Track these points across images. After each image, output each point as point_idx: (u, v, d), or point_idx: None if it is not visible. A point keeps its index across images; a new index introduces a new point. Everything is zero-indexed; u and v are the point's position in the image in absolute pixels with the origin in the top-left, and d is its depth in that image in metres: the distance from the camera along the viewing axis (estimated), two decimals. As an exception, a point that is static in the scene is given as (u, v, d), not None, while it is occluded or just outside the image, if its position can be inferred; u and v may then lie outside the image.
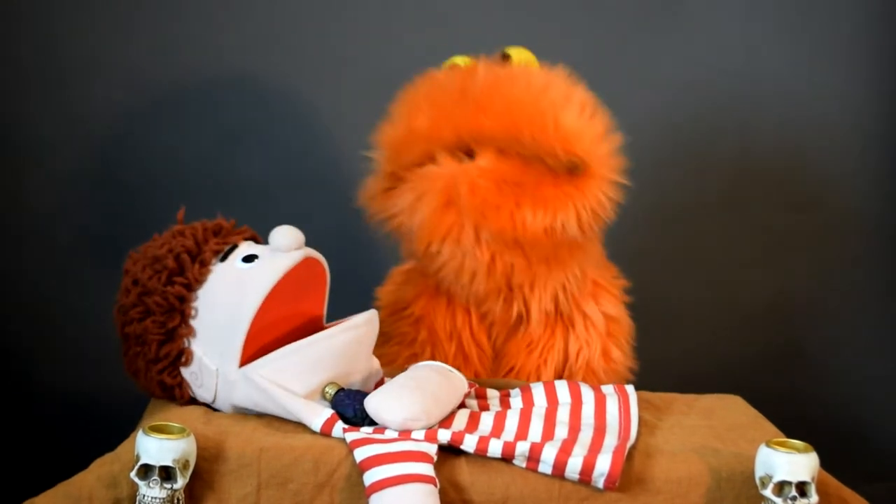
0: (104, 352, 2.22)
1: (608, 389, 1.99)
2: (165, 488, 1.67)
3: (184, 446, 1.68)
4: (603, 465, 1.74)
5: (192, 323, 1.85)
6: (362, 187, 2.13)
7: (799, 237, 2.92)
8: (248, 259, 1.87)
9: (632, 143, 2.87)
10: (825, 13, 2.86)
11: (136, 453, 1.69)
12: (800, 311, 2.94)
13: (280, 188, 2.74)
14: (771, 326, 2.94)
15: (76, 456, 1.89)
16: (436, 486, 1.70)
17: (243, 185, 2.73)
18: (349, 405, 1.81)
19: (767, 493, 1.72)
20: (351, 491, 1.74)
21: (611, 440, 1.82)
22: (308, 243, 1.89)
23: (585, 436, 1.83)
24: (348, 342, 1.87)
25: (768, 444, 1.74)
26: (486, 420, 1.87)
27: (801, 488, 1.71)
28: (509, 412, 1.90)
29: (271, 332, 1.84)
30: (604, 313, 2.22)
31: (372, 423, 1.80)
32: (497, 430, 1.84)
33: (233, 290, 1.83)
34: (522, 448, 1.76)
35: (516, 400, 1.97)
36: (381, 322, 2.02)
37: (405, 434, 1.77)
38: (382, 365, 1.98)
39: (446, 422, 1.84)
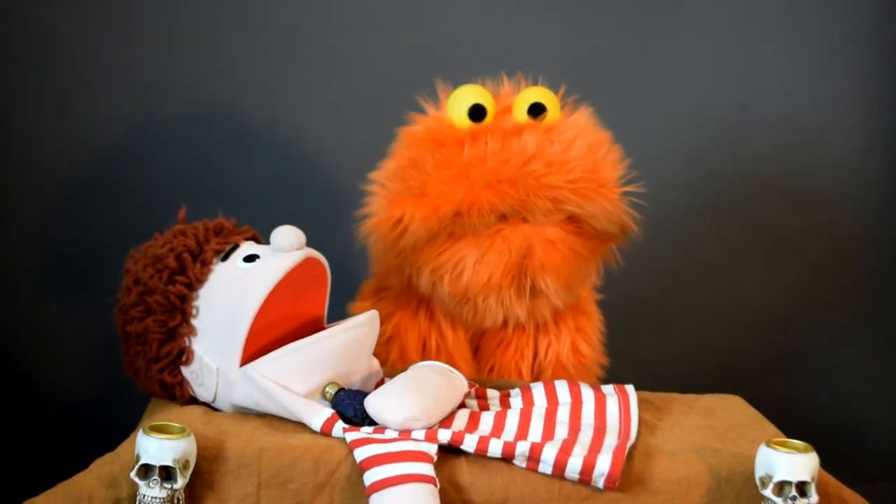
0: (104, 351, 2.22)
1: (608, 389, 2.00)
2: (165, 488, 1.67)
3: (184, 446, 1.68)
4: (603, 464, 1.74)
5: (193, 322, 1.85)
6: (388, 234, 2.06)
7: (799, 237, 2.92)
8: (250, 259, 1.87)
9: (631, 145, 2.88)
10: (825, 14, 2.86)
11: (136, 453, 1.69)
12: (800, 312, 2.94)
13: (281, 188, 2.74)
14: (771, 327, 2.94)
15: (76, 456, 1.89)
16: (436, 486, 1.70)
17: (244, 185, 2.73)
18: (349, 405, 1.81)
19: (767, 493, 1.72)
20: (351, 491, 1.74)
21: (611, 440, 1.82)
22: (309, 243, 1.89)
23: (585, 436, 1.83)
24: (349, 342, 1.87)
25: (768, 444, 1.74)
26: (486, 420, 1.87)
27: (801, 488, 1.71)
28: (509, 412, 1.90)
29: (272, 331, 1.84)
30: (573, 308, 2.22)
31: (372, 422, 1.80)
32: (497, 430, 1.84)
33: (234, 290, 1.83)
34: (522, 448, 1.76)
35: (516, 400, 1.97)
36: None
37: (405, 434, 1.77)
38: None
39: (446, 422, 1.84)
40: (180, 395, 1.88)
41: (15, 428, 2.66)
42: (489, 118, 2.07)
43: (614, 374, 2.27)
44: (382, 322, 2.16)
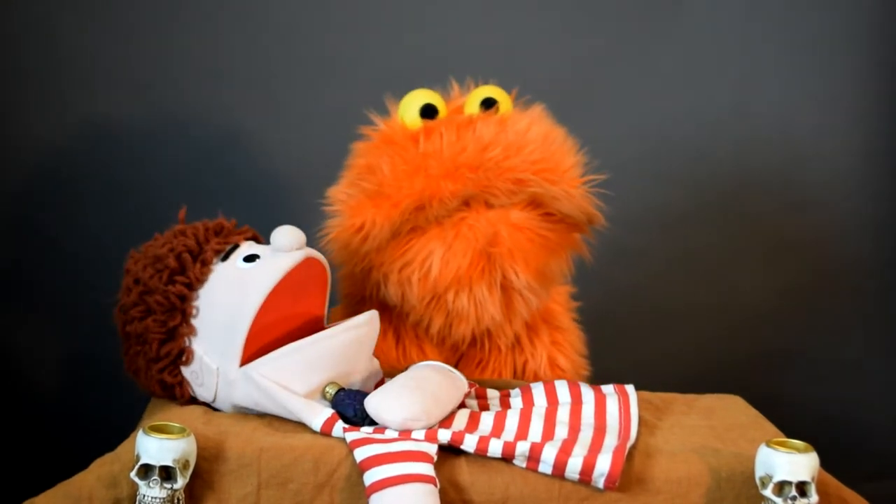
0: (104, 351, 2.22)
1: (608, 389, 2.00)
2: (165, 488, 1.67)
3: (184, 446, 1.68)
4: (603, 465, 1.74)
5: (193, 322, 1.85)
6: (350, 241, 2.02)
7: (799, 237, 2.92)
8: (250, 259, 1.87)
9: (631, 144, 2.88)
10: (825, 14, 2.86)
11: (136, 453, 1.69)
12: (800, 312, 2.94)
13: (281, 188, 2.74)
14: (771, 327, 2.94)
15: (76, 456, 1.89)
16: (436, 485, 1.70)
17: (244, 185, 2.73)
18: (349, 405, 1.81)
19: (767, 493, 1.72)
20: (351, 491, 1.74)
21: (611, 440, 1.82)
22: (309, 243, 1.89)
23: (585, 436, 1.83)
24: (349, 342, 1.87)
25: (768, 444, 1.74)
26: (486, 420, 1.87)
27: (801, 488, 1.71)
28: (509, 412, 1.90)
29: (272, 331, 1.84)
30: (547, 323, 2.22)
31: (372, 422, 1.80)
32: (497, 429, 1.84)
33: (234, 290, 1.83)
34: (522, 448, 1.76)
35: (516, 400, 1.97)
36: None
37: (405, 434, 1.77)
38: None
39: (446, 422, 1.84)
40: (180, 395, 1.88)
41: (15, 428, 2.66)
42: (441, 116, 2.06)
43: (614, 375, 2.27)
44: None
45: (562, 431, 1.85)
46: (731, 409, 2.05)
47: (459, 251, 2.01)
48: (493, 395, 2.01)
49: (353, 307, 2.11)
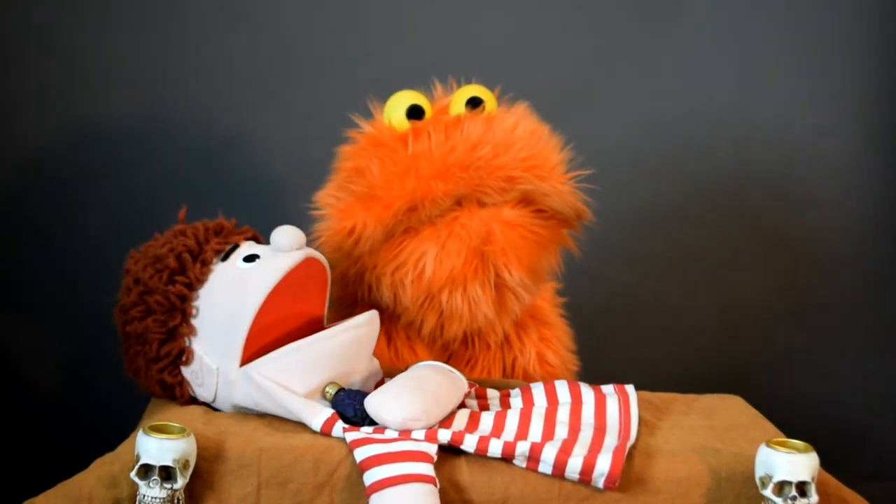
0: (104, 351, 2.22)
1: (608, 389, 1.99)
2: (165, 488, 1.67)
3: (184, 446, 1.68)
4: (603, 464, 1.74)
5: (193, 322, 1.85)
6: (342, 244, 2.02)
7: (799, 237, 2.92)
8: (250, 259, 1.87)
9: (631, 144, 2.88)
10: (825, 14, 2.86)
11: (136, 453, 1.69)
12: (800, 312, 2.94)
13: (281, 188, 2.74)
14: (771, 327, 2.94)
15: (76, 456, 1.89)
16: (436, 485, 1.70)
17: (244, 185, 2.73)
18: (349, 405, 1.81)
19: (767, 493, 1.72)
20: (351, 491, 1.74)
21: (611, 440, 1.82)
22: (309, 244, 1.89)
23: (585, 436, 1.83)
24: (349, 342, 1.87)
25: (768, 444, 1.74)
26: (486, 420, 1.87)
27: (801, 488, 1.71)
28: (509, 412, 1.90)
29: (272, 331, 1.84)
30: (535, 319, 2.22)
31: (372, 422, 1.80)
32: (497, 429, 1.84)
33: (234, 290, 1.83)
34: (522, 448, 1.76)
35: (516, 400, 1.97)
36: None
37: (405, 434, 1.77)
38: None
39: (446, 422, 1.84)
40: (180, 395, 1.88)
41: (15, 428, 2.66)
42: (427, 117, 2.06)
43: (614, 375, 2.27)
44: None
45: (562, 431, 1.85)
46: (731, 409, 2.05)
47: (453, 251, 2.00)
48: (493, 395, 2.00)
49: (344, 310, 2.10)
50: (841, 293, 2.95)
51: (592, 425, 1.88)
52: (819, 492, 1.73)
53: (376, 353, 1.99)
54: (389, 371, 1.99)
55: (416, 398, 1.80)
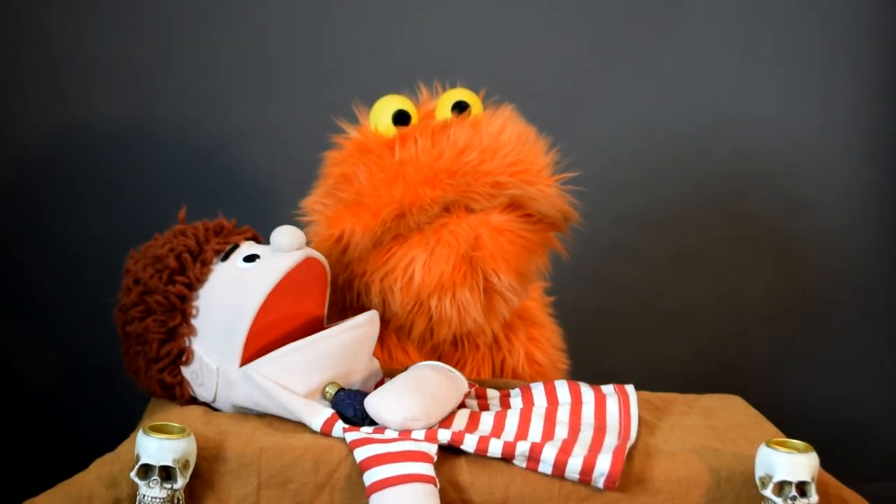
0: (104, 351, 2.22)
1: (608, 389, 1.99)
2: (165, 488, 1.67)
3: (184, 446, 1.68)
4: (603, 464, 1.74)
5: (193, 322, 1.85)
6: (330, 251, 2.00)
7: (799, 237, 2.92)
8: (250, 259, 1.87)
9: (631, 144, 2.88)
10: (825, 14, 2.86)
11: (136, 453, 1.69)
12: (800, 312, 2.94)
13: (281, 188, 2.74)
14: (771, 327, 2.94)
15: (76, 456, 1.89)
16: (436, 485, 1.70)
17: (244, 185, 2.73)
18: (349, 405, 1.81)
19: (767, 493, 1.72)
20: (351, 491, 1.74)
21: (611, 440, 1.82)
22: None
23: (585, 436, 1.83)
24: (349, 342, 1.87)
25: (768, 444, 1.74)
26: (486, 420, 1.87)
27: (801, 488, 1.71)
28: (509, 412, 1.90)
29: (272, 331, 1.84)
30: (524, 320, 2.22)
31: (372, 422, 1.80)
32: (497, 429, 1.84)
33: (234, 290, 1.83)
34: (522, 448, 1.76)
35: (516, 400, 1.97)
36: None
37: (405, 434, 1.77)
38: None
39: (446, 422, 1.84)
40: (180, 395, 1.88)
41: (15, 428, 2.66)
42: (413, 122, 2.05)
43: (614, 374, 2.27)
44: None
45: (562, 431, 1.85)
46: (731, 409, 2.05)
47: (442, 257, 2.00)
48: (493, 395, 2.01)
49: (337, 314, 2.09)
50: (841, 293, 2.95)
51: (592, 425, 1.88)
52: (819, 492, 1.73)
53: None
54: (389, 371, 1.99)
55: (416, 398, 1.80)
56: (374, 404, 1.79)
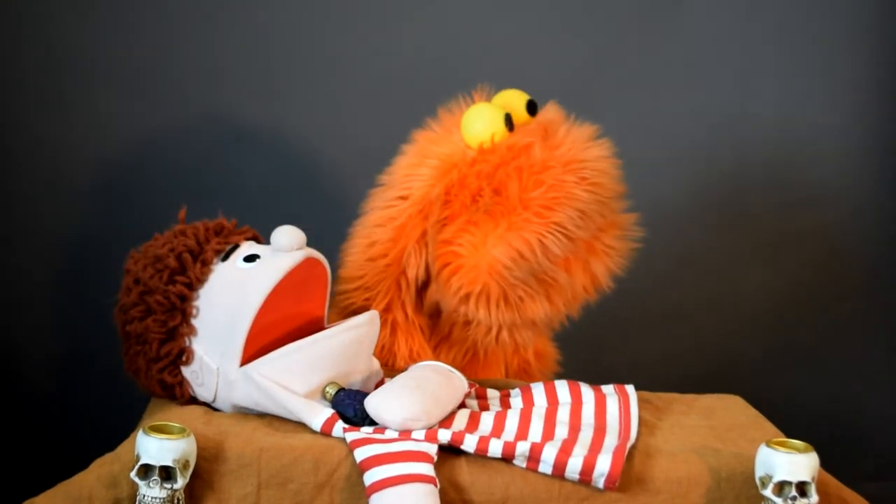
0: (104, 351, 2.22)
1: (608, 389, 2.00)
2: (165, 488, 1.67)
3: (184, 446, 1.68)
4: (603, 465, 1.74)
5: (194, 322, 1.85)
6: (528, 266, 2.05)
7: (799, 237, 2.92)
8: (250, 259, 1.87)
9: (631, 144, 2.88)
10: (825, 14, 2.86)
11: (136, 453, 1.69)
12: (800, 311, 2.94)
13: (281, 188, 2.74)
14: (771, 327, 2.93)
15: (76, 456, 1.89)
16: (436, 486, 1.70)
17: (244, 185, 2.73)
18: (349, 405, 1.81)
19: (767, 493, 1.72)
20: (351, 491, 1.74)
21: (611, 440, 1.82)
22: (309, 243, 1.89)
23: (585, 436, 1.83)
24: (349, 342, 1.87)
25: (768, 444, 1.74)
26: (487, 420, 1.87)
27: (801, 488, 1.71)
28: (509, 412, 1.90)
29: (272, 331, 1.84)
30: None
31: (372, 422, 1.80)
32: (497, 430, 1.84)
33: (234, 290, 1.83)
34: (522, 448, 1.76)
35: (516, 400, 1.97)
36: None
37: (405, 434, 1.77)
38: None
39: (446, 422, 1.84)
40: (180, 395, 1.88)
41: (15, 428, 2.66)
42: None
43: (614, 374, 2.27)
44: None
45: (562, 431, 1.85)
46: (731, 409, 2.05)
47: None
48: (493, 395, 2.01)
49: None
50: (841, 293, 2.95)
51: (592, 425, 1.88)
52: (819, 492, 1.73)
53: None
54: (389, 371, 1.99)
55: (416, 398, 1.80)
56: (375, 404, 1.79)
